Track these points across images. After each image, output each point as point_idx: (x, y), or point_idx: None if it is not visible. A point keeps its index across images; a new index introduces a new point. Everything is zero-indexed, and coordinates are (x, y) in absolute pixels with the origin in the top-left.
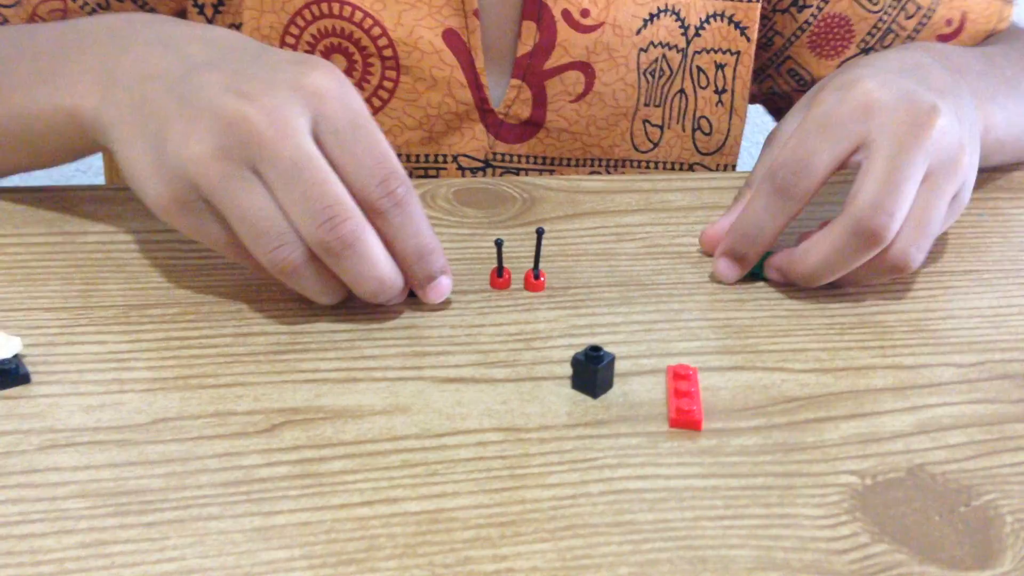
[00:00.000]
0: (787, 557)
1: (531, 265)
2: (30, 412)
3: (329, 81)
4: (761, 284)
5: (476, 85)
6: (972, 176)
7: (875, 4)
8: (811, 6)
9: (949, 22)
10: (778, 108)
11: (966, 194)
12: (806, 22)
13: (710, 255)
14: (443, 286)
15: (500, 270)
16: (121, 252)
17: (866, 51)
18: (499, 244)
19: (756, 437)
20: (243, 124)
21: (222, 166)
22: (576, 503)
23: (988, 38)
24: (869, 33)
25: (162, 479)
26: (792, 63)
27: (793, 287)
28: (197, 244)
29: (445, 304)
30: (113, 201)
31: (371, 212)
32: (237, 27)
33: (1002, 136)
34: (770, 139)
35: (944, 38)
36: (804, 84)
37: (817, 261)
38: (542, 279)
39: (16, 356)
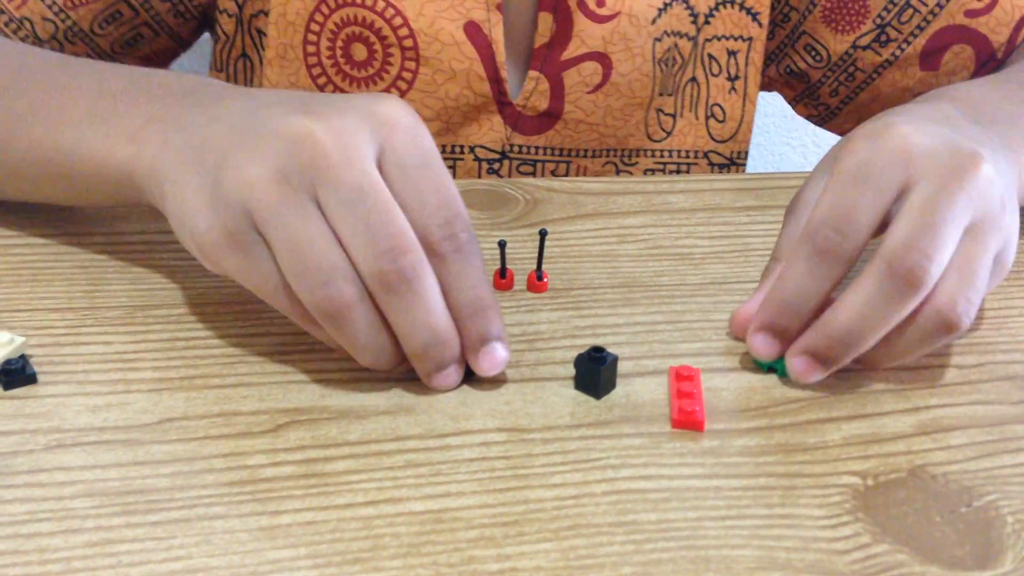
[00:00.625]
0: (789, 557)
1: (534, 266)
2: (36, 412)
3: (402, 113)
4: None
5: (495, 78)
6: (1015, 236)
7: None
8: (895, 40)
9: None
10: (796, 92)
11: (1009, 255)
12: (892, 55)
13: (741, 339)
14: (498, 355)
15: (503, 271)
16: (127, 253)
17: (882, 27)
18: (502, 245)
19: (758, 438)
20: (308, 142)
21: (280, 189)
22: (579, 503)
23: None
24: (885, 8)
25: (168, 479)
26: (808, 38)
27: None
28: None
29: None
30: None
31: (431, 255)
32: (265, 14)
33: None
34: (792, 207)
35: (973, 14)
36: (821, 60)
37: (850, 318)
38: (545, 280)
39: (22, 356)
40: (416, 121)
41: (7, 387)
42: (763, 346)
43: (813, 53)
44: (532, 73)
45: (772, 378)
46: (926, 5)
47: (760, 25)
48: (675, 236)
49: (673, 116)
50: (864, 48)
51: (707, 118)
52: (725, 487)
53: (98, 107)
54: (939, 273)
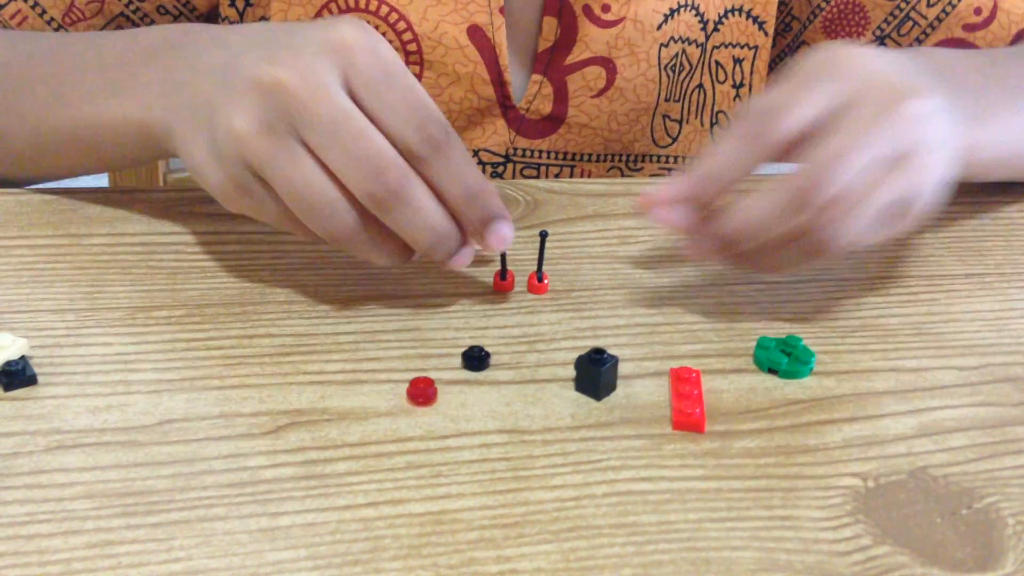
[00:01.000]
0: (790, 559)
1: (534, 268)
2: (37, 413)
3: (356, 33)
4: (762, 285)
5: (499, 82)
6: (929, 188)
7: None
8: None
9: (978, 11)
10: None
11: (916, 204)
12: (819, 5)
13: (642, 214)
14: (503, 231)
15: (504, 273)
16: (127, 254)
17: (882, 40)
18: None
19: (759, 439)
20: (276, 90)
21: (268, 140)
22: (579, 505)
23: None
24: (885, 20)
25: (168, 480)
26: (807, 48)
27: (797, 286)
28: (203, 246)
29: (448, 306)
30: (119, 203)
31: (414, 160)
32: (266, 20)
33: (1000, 155)
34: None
35: (970, 28)
36: None
37: (745, 219)
38: (545, 282)
39: (23, 357)
40: (372, 36)
41: (7, 388)
42: (674, 215)
43: None
44: (535, 77)
45: (773, 380)
46: (926, 18)
47: (766, 34)
48: (675, 238)
49: (679, 122)
50: None
51: (712, 125)
52: (726, 489)
53: (105, 79)
54: (835, 198)
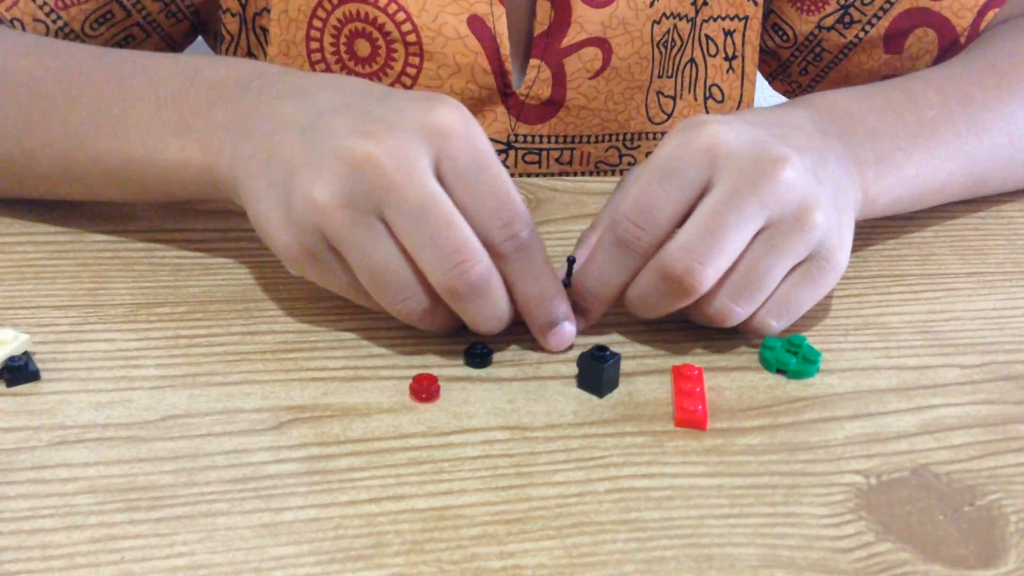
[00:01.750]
0: (792, 555)
1: None
2: (40, 409)
3: (454, 118)
4: None
5: (500, 71)
6: (831, 240)
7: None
8: (859, 22)
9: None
10: (771, 68)
11: (830, 258)
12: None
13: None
14: (565, 332)
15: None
16: (130, 251)
17: (845, 8)
18: (571, 262)
19: (761, 436)
20: (367, 167)
21: (349, 214)
22: (582, 501)
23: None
24: None
25: (171, 475)
26: (775, 18)
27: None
28: (206, 243)
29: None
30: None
31: (494, 256)
32: (268, 11)
33: (906, 194)
34: (622, 181)
35: None
36: (787, 40)
37: (630, 304)
38: None
39: (26, 353)
40: (469, 123)
41: (10, 384)
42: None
43: (780, 33)
44: (533, 62)
45: (775, 377)
46: None
47: (755, 3)
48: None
49: (673, 98)
50: (828, 29)
51: (705, 99)
52: (728, 485)
53: (162, 116)
54: (715, 277)
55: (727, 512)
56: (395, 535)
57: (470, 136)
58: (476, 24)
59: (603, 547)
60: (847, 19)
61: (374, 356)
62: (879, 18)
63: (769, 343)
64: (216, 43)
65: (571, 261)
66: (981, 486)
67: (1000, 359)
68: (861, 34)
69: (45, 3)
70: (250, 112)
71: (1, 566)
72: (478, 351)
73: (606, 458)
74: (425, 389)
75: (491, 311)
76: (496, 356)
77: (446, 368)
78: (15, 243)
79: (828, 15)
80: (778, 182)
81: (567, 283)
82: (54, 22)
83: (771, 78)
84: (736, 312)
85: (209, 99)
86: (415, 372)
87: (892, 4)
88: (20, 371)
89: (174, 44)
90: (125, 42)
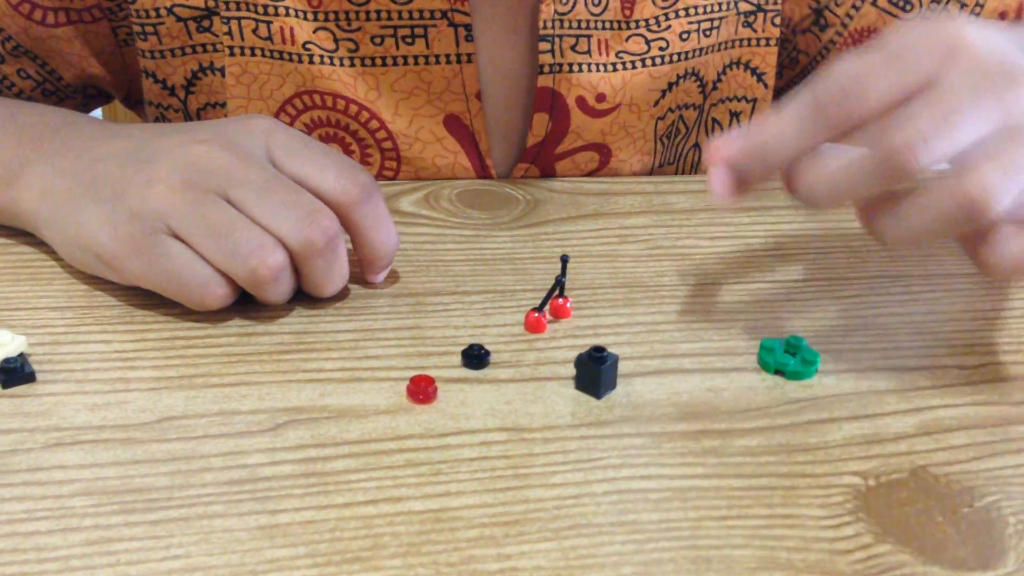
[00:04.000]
0: (790, 557)
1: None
2: (35, 410)
3: (271, 120)
4: (763, 284)
5: (481, 166)
6: None
7: (908, 11)
8: (833, 25)
9: (1003, 15)
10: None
11: None
12: (831, 40)
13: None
14: (383, 275)
15: (562, 293)
16: None
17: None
18: (564, 261)
19: (759, 438)
20: (207, 159)
21: (192, 193)
22: (580, 503)
23: None
24: None
25: (167, 477)
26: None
27: (797, 285)
28: None
29: (447, 305)
30: None
31: (343, 206)
32: (221, 106)
33: None
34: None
35: None
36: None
37: (821, 181)
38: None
39: (22, 355)
40: (284, 126)
41: (6, 385)
42: (720, 184)
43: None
44: (522, 165)
45: (773, 378)
46: None
47: (765, 86)
48: (676, 236)
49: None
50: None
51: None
52: (726, 487)
53: None
54: (934, 164)
55: (725, 514)
56: (392, 537)
57: (289, 129)
58: (453, 123)
59: (601, 549)
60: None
61: (371, 357)
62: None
63: (767, 344)
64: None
65: (565, 260)
66: (980, 487)
67: (999, 360)
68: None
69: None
70: (58, 153)
71: None
72: (475, 352)
73: (604, 459)
74: (422, 390)
75: (340, 268)
76: (493, 357)
77: (443, 369)
78: (11, 244)
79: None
80: (1021, 93)
81: (562, 281)
82: None
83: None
84: (998, 191)
85: (19, 140)
86: (412, 373)
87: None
88: (16, 372)
89: (87, 105)
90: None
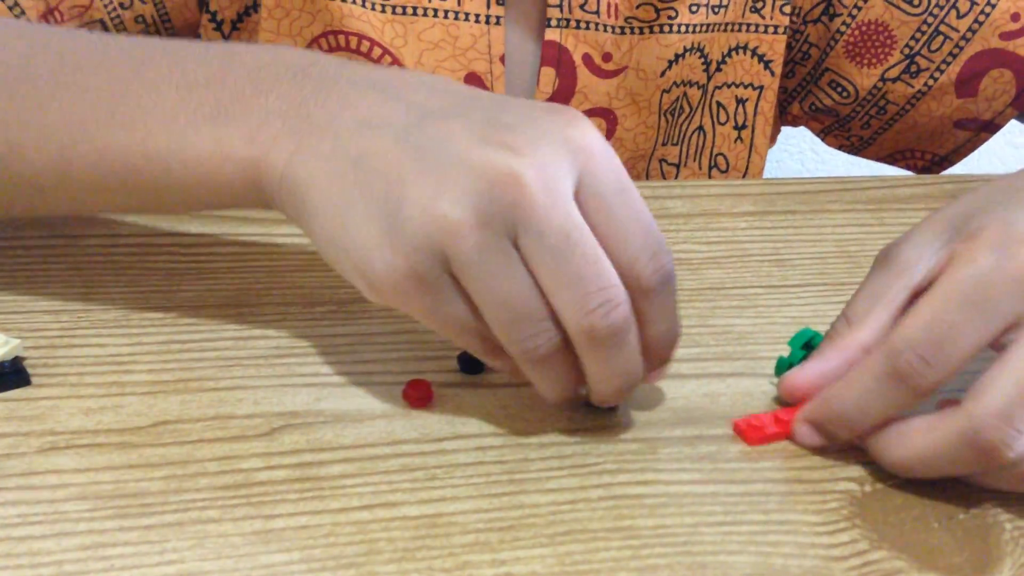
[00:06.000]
0: (786, 563)
1: None
2: (30, 414)
3: (595, 137)
4: (760, 290)
5: None
6: None
7: (916, 6)
8: (841, 14)
9: (1016, 16)
10: (824, 125)
11: None
12: (838, 31)
13: (788, 403)
14: (664, 373)
15: None
16: (122, 255)
17: (911, 57)
18: None
19: None
20: (508, 183)
21: (481, 235)
22: (575, 508)
23: None
24: (913, 38)
25: (162, 482)
26: (832, 75)
27: (794, 290)
28: (198, 247)
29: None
30: None
31: (635, 289)
32: (253, 10)
33: None
34: (887, 258)
35: (1008, 36)
36: (848, 96)
37: (910, 454)
38: None
39: (16, 358)
40: (606, 143)
41: (1, 389)
42: (808, 437)
43: (839, 89)
44: None
45: (770, 384)
46: (957, 31)
47: (772, 74)
48: (672, 241)
49: (677, 166)
50: (894, 80)
51: (710, 168)
52: (722, 493)
53: (193, 101)
54: None
55: (721, 520)
56: (387, 542)
57: (610, 155)
58: (473, 82)
59: (596, 555)
60: (913, 68)
61: (367, 362)
62: (948, 63)
63: (794, 344)
64: None
65: None
66: (976, 494)
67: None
68: (931, 81)
69: (27, 21)
70: (314, 100)
71: None
72: (472, 357)
73: (600, 465)
74: (419, 395)
75: (624, 364)
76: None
77: (440, 374)
78: (6, 247)
79: (892, 66)
80: None
81: None
82: None
83: (824, 134)
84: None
85: (255, 83)
86: (408, 378)
87: (961, 48)
88: (10, 376)
89: None
90: None
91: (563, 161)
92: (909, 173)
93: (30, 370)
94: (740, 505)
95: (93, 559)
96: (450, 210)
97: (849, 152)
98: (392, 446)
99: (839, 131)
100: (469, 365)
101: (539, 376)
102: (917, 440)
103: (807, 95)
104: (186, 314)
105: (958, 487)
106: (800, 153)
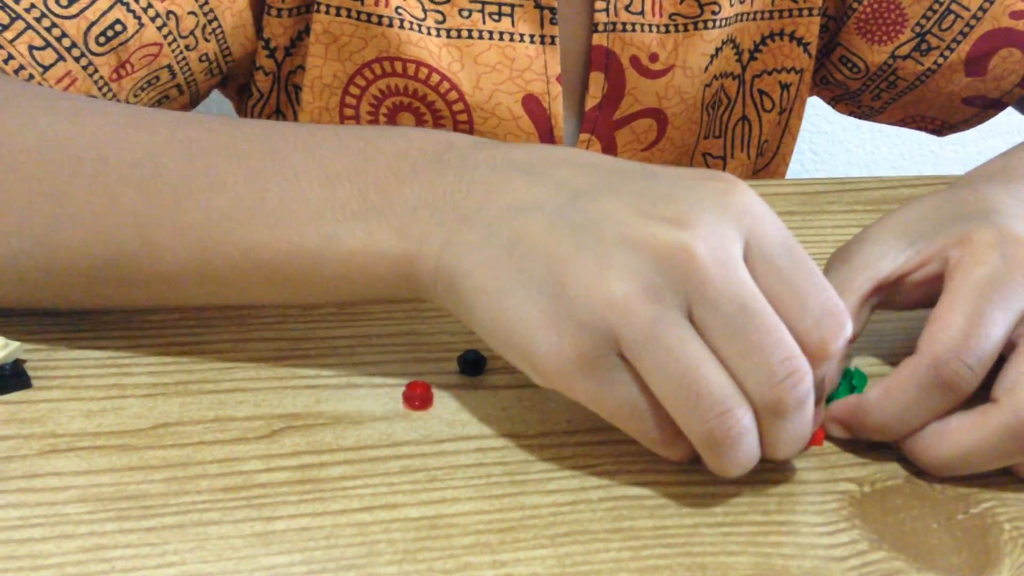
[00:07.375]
0: (786, 564)
1: None
2: (31, 417)
3: (755, 200)
4: None
5: None
6: None
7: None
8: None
9: (1015, 15)
10: (834, 94)
11: None
12: (851, 6)
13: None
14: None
15: None
16: None
17: (922, 35)
18: None
19: None
20: (680, 256)
21: (653, 310)
22: (576, 509)
23: None
24: (924, 16)
25: (162, 484)
26: (843, 50)
27: None
28: None
29: (444, 311)
30: None
31: (814, 357)
32: (302, 69)
33: None
34: (844, 256)
35: (1019, 15)
36: (859, 72)
37: (952, 452)
38: None
39: (17, 361)
40: (767, 205)
41: (1, 392)
42: (837, 432)
43: (850, 65)
44: (583, 136)
45: None
46: (968, 9)
47: (810, 56)
48: None
49: (723, 158)
50: (904, 58)
51: (757, 156)
52: (722, 493)
53: (338, 197)
54: None
55: (721, 520)
56: (387, 544)
57: (773, 218)
58: (531, 104)
59: (596, 556)
60: (924, 46)
61: (367, 364)
62: (959, 42)
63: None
64: (241, 97)
65: None
66: (975, 494)
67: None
68: (940, 60)
69: (100, 77)
70: (457, 189)
71: None
72: (472, 358)
73: (600, 466)
74: (418, 397)
75: (802, 432)
76: (490, 364)
77: (440, 376)
78: None
79: (903, 44)
80: None
81: None
82: (105, 95)
83: (835, 102)
84: None
85: (396, 174)
86: (408, 379)
87: (972, 27)
88: (11, 379)
89: (197, 100)
90: (159, 103)
91: (729, 228)
92: (909, 173)
93: (31, 372)
94: (740, 506)
95: (94, 561)
96: (618, 287)
97: (860, 118)
98: (392, 448)
99: (849, 101)
100: (469, 367)
101: (723, 457)
102: (960, 438)
103: (819, 68)
104: (186, 316)
105: (958, 487)
106: (800, 153)
